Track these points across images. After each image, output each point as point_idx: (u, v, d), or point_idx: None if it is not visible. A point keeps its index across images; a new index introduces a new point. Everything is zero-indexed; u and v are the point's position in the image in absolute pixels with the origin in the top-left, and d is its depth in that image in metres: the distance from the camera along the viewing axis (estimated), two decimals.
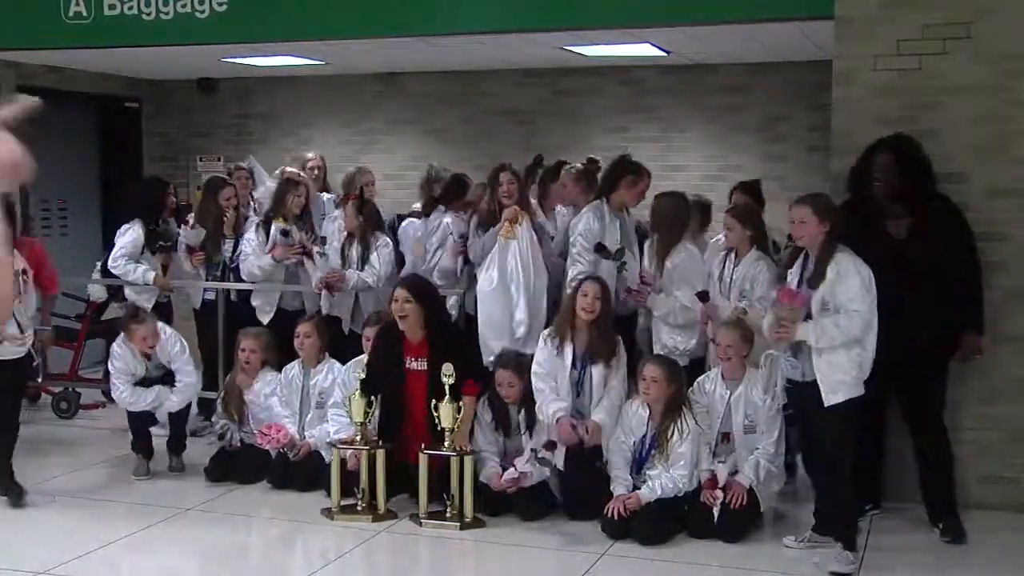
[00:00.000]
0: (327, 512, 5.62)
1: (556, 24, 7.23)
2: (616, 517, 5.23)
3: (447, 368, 5.34)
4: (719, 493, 5.21)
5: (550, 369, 5.44)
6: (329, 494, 5.73)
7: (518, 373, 5.62)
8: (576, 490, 5.56)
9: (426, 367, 5.56)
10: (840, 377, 4.71)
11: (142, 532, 5.53)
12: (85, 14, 7.96)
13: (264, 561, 5.39)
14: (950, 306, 5.31)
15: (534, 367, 5.45)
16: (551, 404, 5.36)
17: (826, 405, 4.71)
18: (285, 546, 5.55)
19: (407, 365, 5.59)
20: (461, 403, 5.40)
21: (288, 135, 10.81)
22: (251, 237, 7.19)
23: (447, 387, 5.33)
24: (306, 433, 6.25)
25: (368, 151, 10.30)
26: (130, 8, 7.85)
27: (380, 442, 5.61)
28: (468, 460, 5.39)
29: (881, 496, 5.65)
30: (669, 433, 5.32)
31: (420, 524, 5.44)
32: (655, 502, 5.29)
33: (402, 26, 7.45)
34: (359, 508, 5.60)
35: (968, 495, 5.60)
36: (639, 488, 5.33)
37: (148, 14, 7.82)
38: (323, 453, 6.07)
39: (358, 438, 5.63)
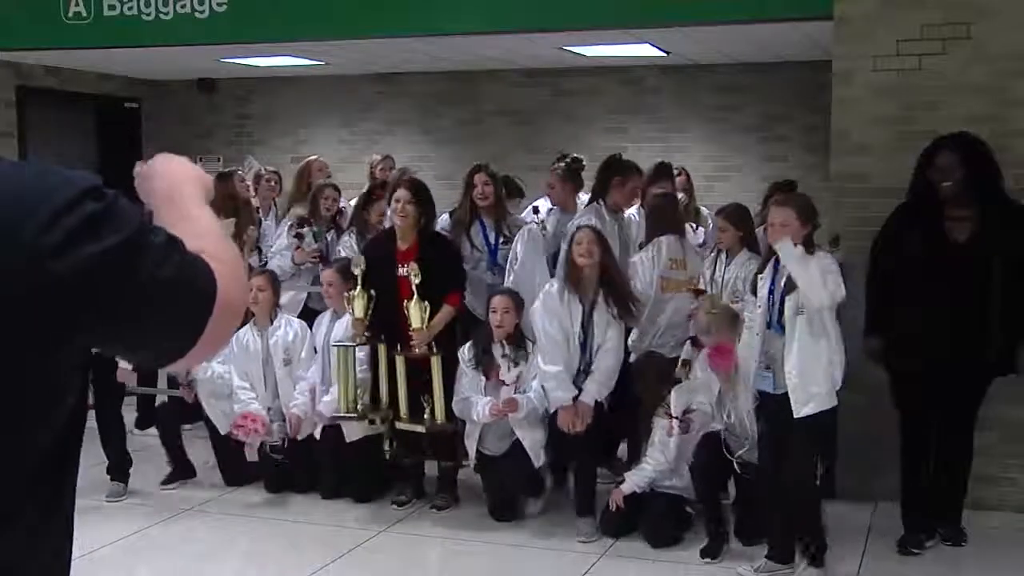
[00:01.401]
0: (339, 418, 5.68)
1: (556, 25, 7.24)
2: (614, 509, 5.25)
3: (414, 268, 5.34)
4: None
5: (557, 317, 5.30)
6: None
7: (514, 304, 5.50)
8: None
9: (413, 275, 5.41)
10: (813, 389, 4.55)
11: (143, 532, 5.52)
12: (85, 14, 7.96)
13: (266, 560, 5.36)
14: (1012, 312, 5.05)
15: (542, 325, 5.30)
16: (559, 388, 5.25)
17: (796, 416, 4.55)
18: (289, 545, 5.53)
19: (399, 271, 5.50)
20: (424, 305, 5.42)
21: (287, 135, 10.83)
22: (282, 238, 7.03)
23: (414, 287, 5.34)
24: (290, 405, 5.92)
25: (367, 151, 10.14)
26: (130, 8, 7.85)
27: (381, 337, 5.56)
28: (436, 360, 5.38)
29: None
30: (652, 426, 5.35)
31: (395, 426, 5.55)
32: (664, 503, 5.28)
33: (401, 26, 7.45)
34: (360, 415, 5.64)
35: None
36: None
37: (148, 14, 7.83)
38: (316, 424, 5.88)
39: (358, 338, 5.58)
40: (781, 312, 4.62)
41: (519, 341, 5.50)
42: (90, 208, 1.20)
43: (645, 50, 8.60)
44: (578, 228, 5.46)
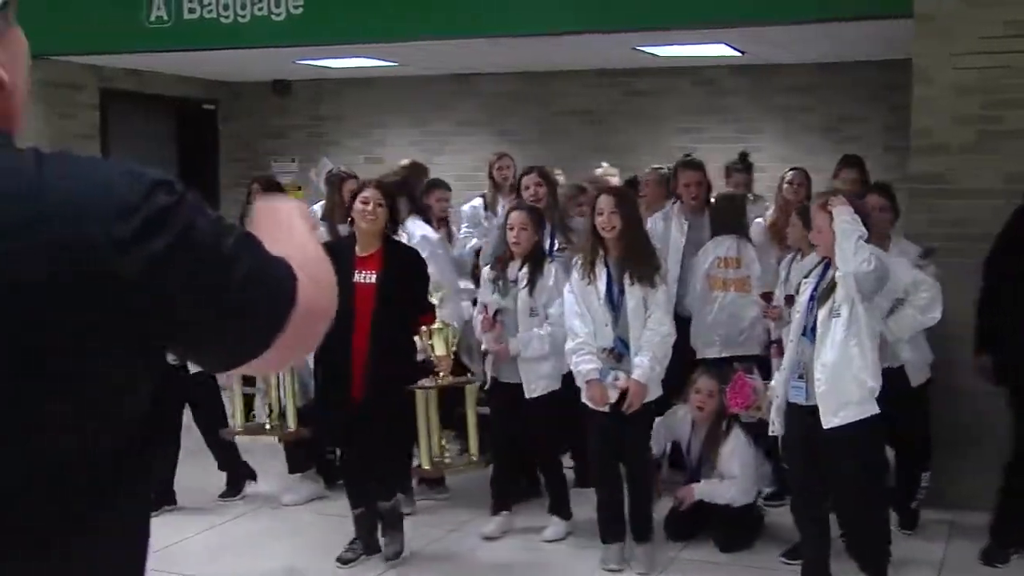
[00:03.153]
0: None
1: (630, 25, 7.20)
2: (680, 508, 5.17)
3: (436, 286, 4.98)
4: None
5: (584, 298, 4.92)
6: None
7: (532, 221, 5.26)
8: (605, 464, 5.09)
9: (374, 281, 4.91)
10: (843, 397, 4.31)
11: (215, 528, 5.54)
12: (166, 18, 8.11)
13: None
14: None
15: (567, 304, 4.98)
16: (582, 361, 4.86)
17: (825, 427, 4.31)
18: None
19: (355, 278, 4.91)
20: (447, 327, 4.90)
21: (360, 136, 10.87)
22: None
23: (437, 309, 4.88)
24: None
25: (440, 152, 10.28)
26: (209, 12, 7.99)
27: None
28: (472, 389, 4.95)
29: None
30: (718, 447, 5.24)
31: (443, 470, 5.05)
32: (732, 512, 5.23)
33: (475, 27, 7.47)
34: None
35: None
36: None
37: (226, 17, 7.95)
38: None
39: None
40: (816, 321, 4.43)
41: (537, 260, 5.26)
42: (162, 201, 1.19)
43: (720, 50, 8.52)
44: (597, 194, 5.12)
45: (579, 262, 5.02)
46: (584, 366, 4.84)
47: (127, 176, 1.20)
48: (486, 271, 5.48)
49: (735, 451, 5.18)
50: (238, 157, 11.17)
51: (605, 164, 7.31)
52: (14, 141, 1.25)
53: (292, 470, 6.06)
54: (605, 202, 4.91)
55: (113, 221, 1.16)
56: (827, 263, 4.47)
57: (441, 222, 6.72)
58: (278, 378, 5.05)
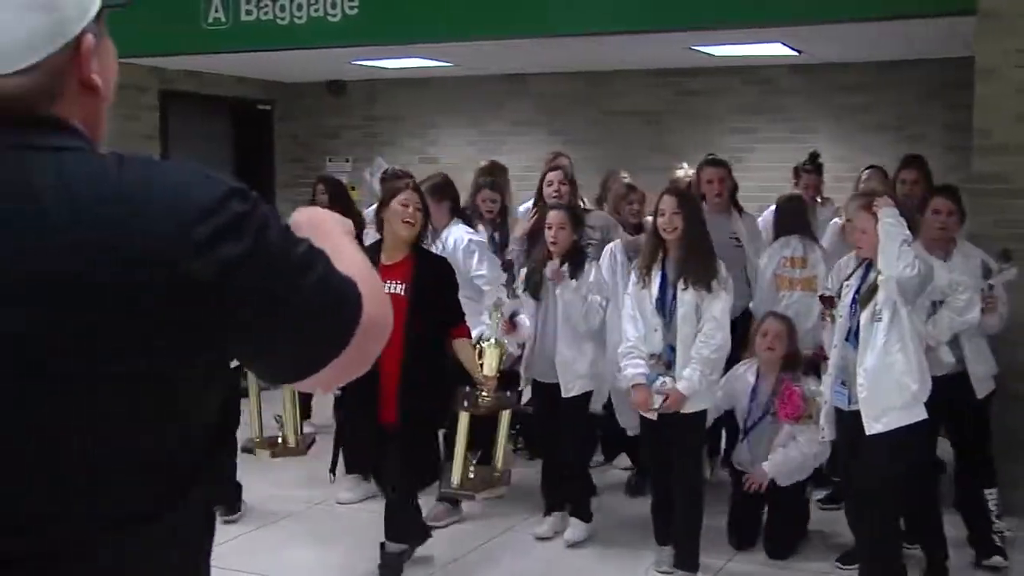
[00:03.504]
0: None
1: (685, 24, 7.15)
2: (751, 491, 5.05)
3: (498, 301, 4.90)
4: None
5: (637, 302, 4.82)
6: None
7: (570, 221, 5.17)
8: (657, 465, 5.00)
9: (403, 292, 4.63)
10: (885, 403, 4.21)
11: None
12: (224, 20, 8.20)
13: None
14: None
15: (625, 307, 4.90)
16: (630, 365, 4.76)
17: (868, 433, 4.21)
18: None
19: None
20: (488, 345, 4.77)
21: (415, 136, 10.88)
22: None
23: (495, 325, 4.79)
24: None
25: (495, 152, 9.99)
26: (266, 14, 8.06)
27: None
28: (507, 415, 4.92)
29: None
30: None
31: (473, 497, 5.04)
32: (777, 513, 5.15)
33: (530, 27, 7.46)
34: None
35: None
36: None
37: (283, 19, 8.02)
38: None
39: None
40: (859, 324, 4.32)
41: (576, 259, 5.13)
42: (236, 208, 1.20)
43: (776, 49, 8.43)
44: (663, 193, 4.98)
45: (636, 264, 4.93)
46: (631, 370, 4.76)
47: (203, 181, 1.22)
48: (522, 273, 5.43)
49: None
50: (293, 157, 11.24)
51: (685, 165, 7.19)
52: (97, 147, 1.27)
53: (349, 470, 6.06)
54: (667, 202, 4.78)
55: (189, 225, 1.17)
56: (868, 265, 4.38)
57: (489, 223, 6.62)
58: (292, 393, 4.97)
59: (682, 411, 4.68)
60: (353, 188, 9.32)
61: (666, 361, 4.73)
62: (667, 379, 4.68)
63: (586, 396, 5.19)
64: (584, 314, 5.03)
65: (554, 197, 5.84)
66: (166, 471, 1.23)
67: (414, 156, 10.40)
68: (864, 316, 4.26)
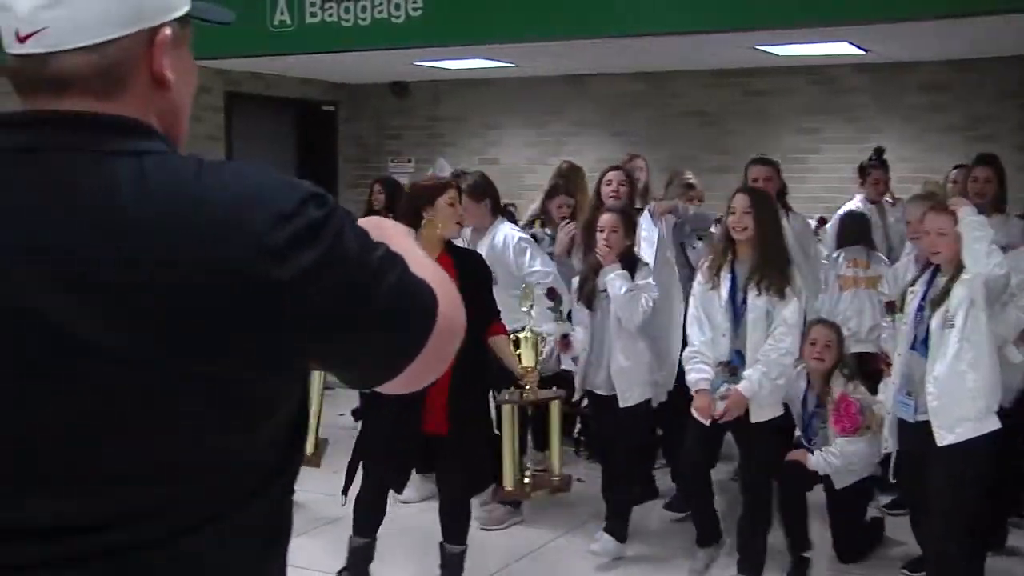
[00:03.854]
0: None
1: (750, 24, 7.05)
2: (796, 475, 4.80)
3: (526, 294, 4.75)
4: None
5: (704, 305, 4.67)
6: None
7: (623, 224, 5.01)
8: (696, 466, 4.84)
9: None
10: (958, 413, 4.03)
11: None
12: (289, 22, 8.25)
13: None
14: None
15: (690, 309, 4.78)
16: (694, 370, 4.62)
17: (939, 445, 4.04)
18: None
19: None
20: (524, 336, 4.59)
21: (477, 137, 10.89)
22: None
23: (529, 313, 4.66)
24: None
25: (557, 153, 10.09)
26: (330, 16, 8.10)
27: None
28: (557, 405, 4.74)
29: None
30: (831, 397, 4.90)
31: (527, 495, 4.82)
32: (840, 514, 5.05)
33: (593, 28, 7.41)
34: None
35: None
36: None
37: (347, 20, 8.04)
38: None
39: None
40: (928, 332, 4.14)
41: (631, 264, 4.97)
42: (313, 214, 1.19)
43: (842, 48, 8.31)
44: (735, 192, 4.85)
45: (704, 264, 4.77)
46: (694, 375, 4.61)
47: (281, 186, 1.21)
48: (573, 283, 5.31)
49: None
50: (356, 158, 11.29)
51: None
52: (178, 149, 1.28)
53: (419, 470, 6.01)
54: (739, 201, 4.62)
55: (267, 229, 1.16)
56: (935, 270, 4.22)
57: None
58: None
59: (752, 419, 4.52)
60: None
61: (732, 367, 4.58)
62: (733, 387, 4.52)
63: (644, 405, 5.08)
64: (626, 302, 4.85)
65: (611, 197, 5.71)
66: (246, 470, 1.24)
67: (475, 157, 10.42)
68: (934, 322, 4.10)
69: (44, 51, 1.19)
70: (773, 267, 4.51)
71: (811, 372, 4.97)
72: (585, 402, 5.42)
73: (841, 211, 6.84)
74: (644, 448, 5.35)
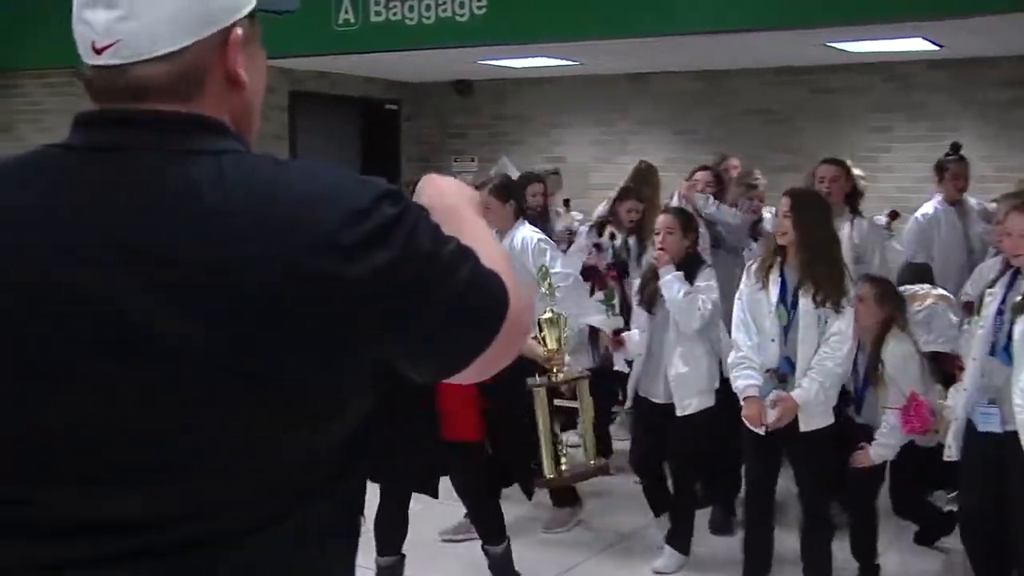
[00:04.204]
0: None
1: (821, 20, 6.89)
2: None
3: (543, 272, 4.66)
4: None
5: (750, 308, 4.48)
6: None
7: (680, 225, 4.91)
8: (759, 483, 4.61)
9: None
10: None
11: None
12: (353, 21, 8.27)
13: None
14: None
15: (736, 312, 4.54)
16: (742, 376, 4.42)
17: None
18: None
19: None
20: (545, 317, 4.43)
21: (541, 135, 10.85)
22: (580, 238, 6.64)
23: (545, 292, 4.55)
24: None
25: (622, 151, 10.19)
26: (395, 14, 8.10)
27: None
28: (585, 384, 4.62)
29: None
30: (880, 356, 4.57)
31: (566, 481, 4.75)
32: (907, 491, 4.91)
33: (659, 26, 7.32)
34: None
35: None
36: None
37: (411, 19, 8.04)
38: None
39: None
40: (1010, 337, 3.91)
41: (691, 267, 4.84)
42: (388, 212, 1.20)
43: (916, 44, 8.10)
44: (784, 193, 4.66)
45: (753, 265, 4.58)
46: (742, 381, 4.40)
47: (356, 184, 1.23)
48: (636, 285, 5.22)
49: (897, 357, 4.56)
50: (420, 156, 11.29)
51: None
52: (250, 147, 1.29)
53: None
54: (782, 203, 4.45)
55: (342, 227, 1.17)
56: (1015, 272, 4.02)
57: (625, 231, 6.36)
58: None
59: (801, 428, 4.32)
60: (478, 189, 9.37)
61: (781, 375, 4.40)
62: (783, 393, 4.34)
63: (704, 414, 4.85)
64: (683, 306, 4.72)
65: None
66: (314, 472, 1.24)
67: (539, 155, 10.38)
68: (1018, 328, 3.89)
69: (120, 62, 1.21)
70: (824, 276, 4.33)
71: (861, 332, 4.63)
72: (628, 405, 5.29)
73: (918, 213, 6.65)
74: (705, 456, 5.07)
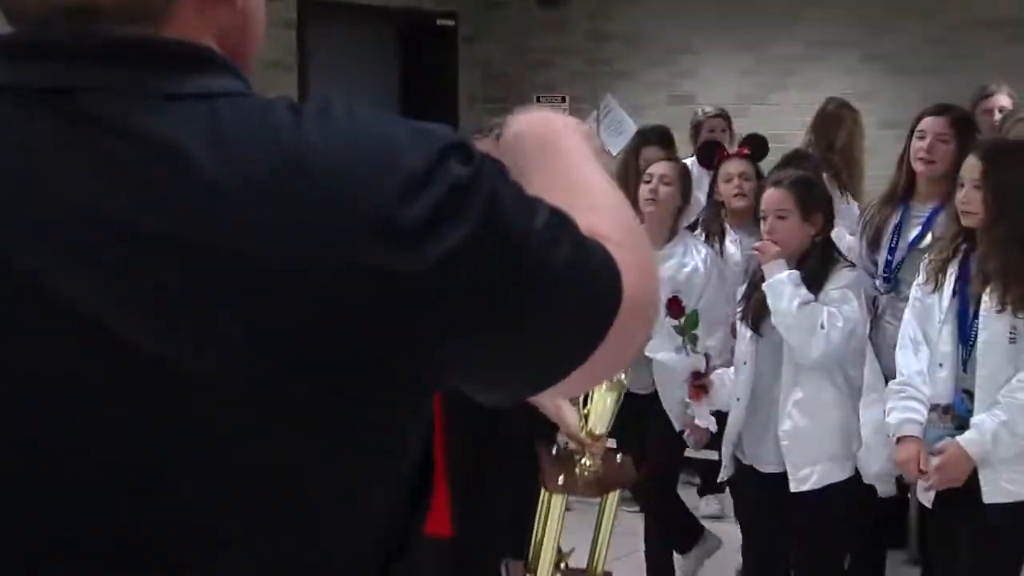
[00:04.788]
0: None
1: None
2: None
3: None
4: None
5: (921, 320, 3.93)
6: None
7: (802, 206, 4.24)
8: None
9: None
10: None
11: None
12: None
13: None
14: None
15: (904, 325, 4.01)
16: (899, 407, 3.83)
17: None
18: None
19: None
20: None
21: (661, 65, 9.21)
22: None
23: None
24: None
25: (781, 87, 8.44)
26: None
27: None
28: (613, 498, 3.56)
29: None
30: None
31: None
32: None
33: None
34: None
35: None
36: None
37: None
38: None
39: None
40: None
41: (818, 266, 4.20)
42: (456, 173, 0.96)
43: None
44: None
45: (928, 260, 3.95)
46: (899, 415, 3.72)
47: (410, 136, 0.99)
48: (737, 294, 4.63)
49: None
50: (486, 95, 9.78)
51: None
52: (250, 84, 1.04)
53: None
54: (968, 168, 3.71)
55: (394, 201, 0.94)
56: None
57: None
58: None
59: (986, 499, 3.54)
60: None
61: (956, 415, 3.67)
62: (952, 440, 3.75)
63: (835, 490, 4.09)
64: (796, 322, 3.94)
65: (920, 160, 4.62)
66: (356, 530, 1.05)
67: (660, 94, 8.74)
68: None
69: None
70: (1019, 268, 3.66)
71: None
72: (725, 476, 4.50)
73: None
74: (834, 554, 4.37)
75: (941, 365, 3.73)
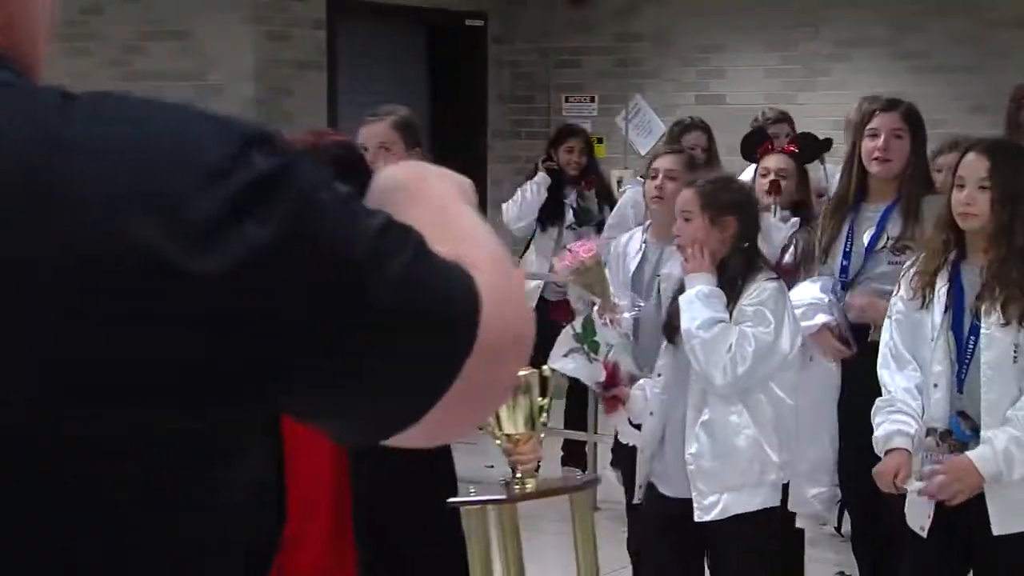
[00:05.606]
0: None
1: None
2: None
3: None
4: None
5: (907, 334, 3.72)
6: None
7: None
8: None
9: None
10: None
11: None
12: None
13: None
14: None
15: (884, 339, 3.80)
16: (887, 421, 3.63)
17: None
18: None
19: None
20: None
21: (691, 65, 9.28)
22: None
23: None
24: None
25: (810, 87, 8.49)
26: None
27: None
28: (582, 497, 3.14)
29: None
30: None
31: None
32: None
33: None
34: None
35: None
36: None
37: None
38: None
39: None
40: None
41: (738, 271, 3.93)
42: (260, 167, 0.85)
43: None
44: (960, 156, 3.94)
45: (912, 272, 3.68)
46: (889, 426, 3.48)
47: (205, 126, 0.88)
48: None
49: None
50: (515, 95, 9.84)
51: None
52: (25, 75, 0.93)
53: None
54: (970, 166, 3.47)
55: (187, 194, 0.83)
56: None
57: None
58: None
59: (995, 530, 3.29)
60: (599, 141, 8.46)
61: (955, 442, 3.46)
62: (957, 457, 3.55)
63: (756, 519, 3.77)
64: (704, 342, 3.66)
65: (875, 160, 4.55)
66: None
67: (689, 94, 8.82)
68: None
69: None
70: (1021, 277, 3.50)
71: None
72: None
73: None
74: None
75: (936, 386, 3.50)
